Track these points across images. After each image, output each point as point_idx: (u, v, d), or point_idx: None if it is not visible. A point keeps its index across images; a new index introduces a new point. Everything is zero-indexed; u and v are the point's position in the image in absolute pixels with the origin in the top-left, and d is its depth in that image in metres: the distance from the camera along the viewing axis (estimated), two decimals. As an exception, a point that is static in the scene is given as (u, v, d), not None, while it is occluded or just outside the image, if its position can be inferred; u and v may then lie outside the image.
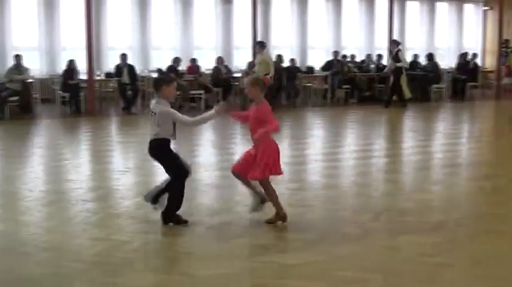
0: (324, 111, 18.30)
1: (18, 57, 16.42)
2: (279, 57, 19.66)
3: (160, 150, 6.80)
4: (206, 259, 5.91)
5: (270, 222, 6.94)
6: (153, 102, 6.86)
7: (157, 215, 6.97)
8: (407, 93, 19.14)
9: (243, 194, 7.46)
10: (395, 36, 21.85)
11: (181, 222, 6.86)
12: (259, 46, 17.67)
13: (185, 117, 6.87)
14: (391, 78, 19.30)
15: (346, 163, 10.83)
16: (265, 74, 16.94)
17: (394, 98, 19.06)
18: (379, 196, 8.49)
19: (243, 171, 6.88)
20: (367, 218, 7.23)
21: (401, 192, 8.76)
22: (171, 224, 6.85)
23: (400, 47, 19.18)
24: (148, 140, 6.84)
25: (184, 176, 6.85)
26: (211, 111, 6.78)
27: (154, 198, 6.95)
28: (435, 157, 11.59)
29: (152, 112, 6.77)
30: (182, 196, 6.85)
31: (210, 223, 7.00)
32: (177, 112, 6.81)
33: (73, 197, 8.13)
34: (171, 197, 6.84)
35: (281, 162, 6.90)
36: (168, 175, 6.86)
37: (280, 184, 8.82)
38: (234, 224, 6.97)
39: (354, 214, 7.48)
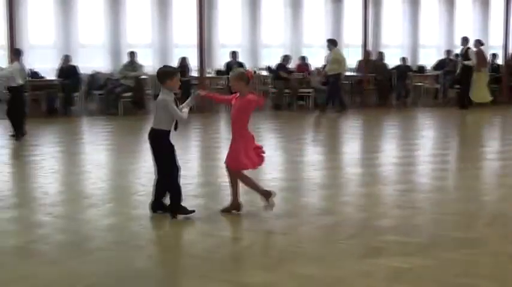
0: (434, 111, 17.89)
1: (132, 54, 16.90)
2: (380, 55, 19.38)
3: (158, 140, 7.05)
4: (315, 259, 5.87)
5: (225, 210, 7.23)
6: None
7: (267, 213, 7.06)
8: (483, 96, 18.41)
9: (351, 194, 7.39)
10: (511, 36, 21.05)
11: (188, 212, 7.05)
12: (330, 43, 17.44)
13: (177, 111, 6.95)
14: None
15: (457, 165, 10.55)
16: (338, 73, 16.82)
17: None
18: (492, 200, 8.20)
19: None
20: (480, 223, 7.01)
21: (517, 197, 8.45)
22: (181, 217, 7.02)
23: (470, 45, 18.29)
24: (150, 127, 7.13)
25: (176, 172, 7.11)
26: (187, 102, 7.14)
27: (158, 206, 7.20)
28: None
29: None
30: (179, 186, 7.10)
31: (319, 222, 6.96)
32: (173, 105, 6.92)
33: (183, 192, 8.20)
34: (170, 192, 7.08)
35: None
36: (157, 166, 7.14)
37: (388, 185, 8.72)
38: (342, 225, 6.91)
39: (466, 218, 7.26)
